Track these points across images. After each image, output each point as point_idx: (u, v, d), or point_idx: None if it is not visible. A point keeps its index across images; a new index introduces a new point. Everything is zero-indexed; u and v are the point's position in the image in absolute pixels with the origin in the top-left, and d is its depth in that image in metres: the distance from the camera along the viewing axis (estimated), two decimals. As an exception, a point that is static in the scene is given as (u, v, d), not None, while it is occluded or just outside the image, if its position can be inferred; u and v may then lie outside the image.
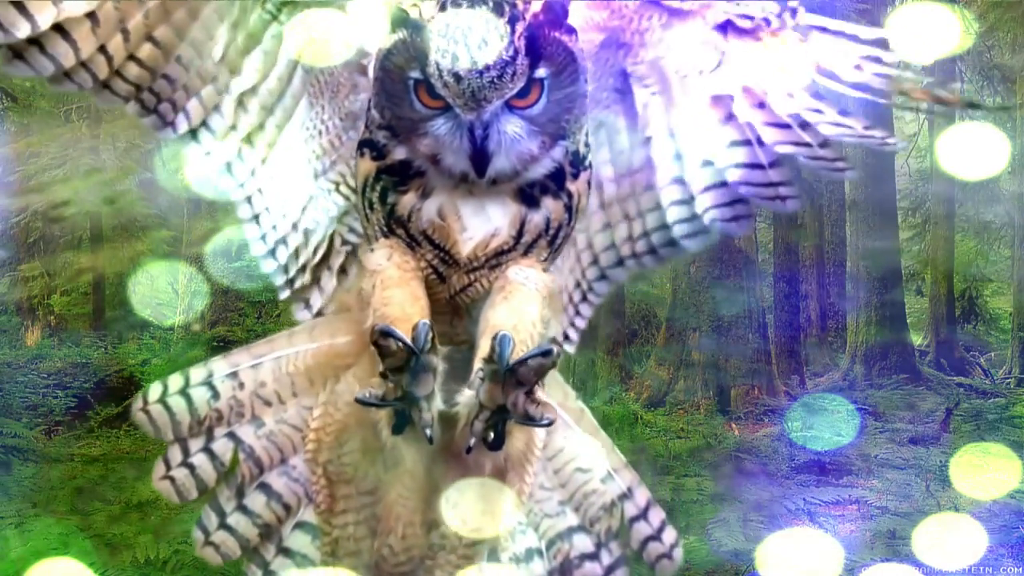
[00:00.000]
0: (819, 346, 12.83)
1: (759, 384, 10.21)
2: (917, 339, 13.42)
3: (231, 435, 1.83)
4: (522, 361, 1.54)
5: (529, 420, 1.58)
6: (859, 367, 11.64)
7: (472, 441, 1.57)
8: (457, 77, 1.55)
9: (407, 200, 1.68)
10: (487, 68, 1.55)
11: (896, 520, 6.28)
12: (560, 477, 1.89)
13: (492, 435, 1.57)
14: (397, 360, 1.55)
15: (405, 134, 1.65)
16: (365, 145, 1.71)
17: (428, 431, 1.56)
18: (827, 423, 8.50)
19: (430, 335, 1.54)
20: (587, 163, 1.72)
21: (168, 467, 1.83)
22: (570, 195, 1.69)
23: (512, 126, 1.62)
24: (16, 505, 6.16)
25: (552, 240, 1.72)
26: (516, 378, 1.54)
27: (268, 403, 1.84)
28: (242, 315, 9.79)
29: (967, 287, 15.25)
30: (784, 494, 6.89)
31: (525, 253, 1.71)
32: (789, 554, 5.35)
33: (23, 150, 9.77)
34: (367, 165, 1.70)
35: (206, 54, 1.75)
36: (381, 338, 1.55)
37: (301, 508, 1.84)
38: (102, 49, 1.68)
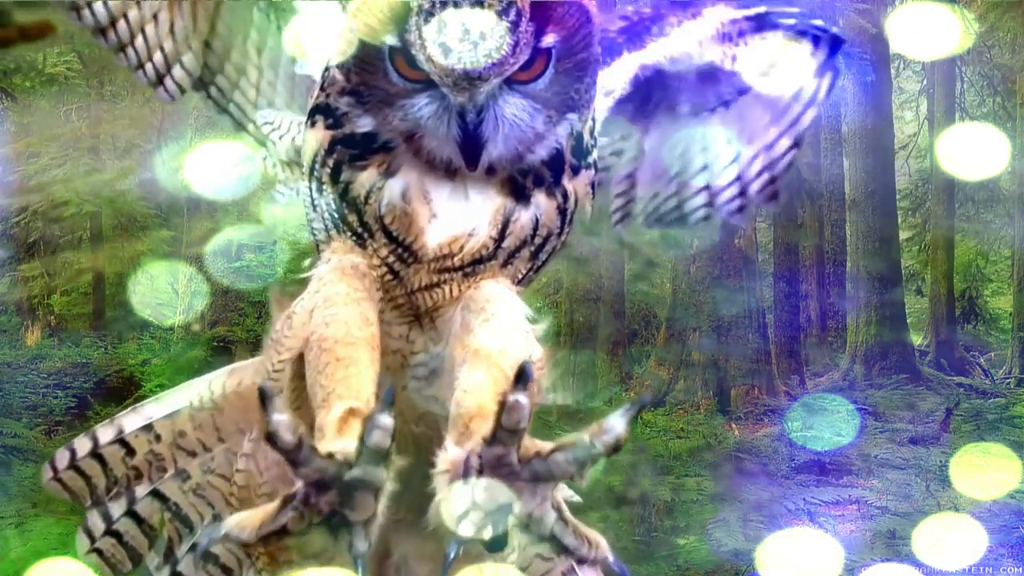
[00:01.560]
0: (819, 346, 12.81)
1: (759, 384, 10.20)
2: (917, 339, 13.40)
3: (155, 493, 1.61)
4: (559, 448, 1.10)
5: (565, 552, 1.16)
6: (859, 367, 11.63)
7: (454, 553, 1.13)
8: (445, 51, 1.22)
9: (365, 178, 1.34)
10: (482, 39, 1.22)
11: (896, 520, 6.28)
12: (520, 559, 1.56)
13: (489, 535, 1.13)
14: (316, 471, 1.09)
15: (375, 105, 1.33)
16: (318, 112, 1.37)
17: (360, 567, 1.14)
18: (827, 423, 8.48)
19: (391, 419, 1.09)
20: (590, 160, 1.42)
21: (92, 539, 1.62)
22: (565, 195, 1.38)
23: (511, 108, 1.30)
24: (16, 505, 6.14)
25: (535, 253, 1.39)
26: (543, 473, 1.11)
27: (192, 453, 1.60)
28: (242, 315, 9.76)
29: (967, 287, 15.24)
30: (784, 494, 6.89)
31: (504, 264, 1.38)
32: (789, 554, 5.34)
33: (23, 150, 9.78)
34: (319, 135, 1.36)
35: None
36: (264, 408, 1.07)
37: (244, 572, 1.57)
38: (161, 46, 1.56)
